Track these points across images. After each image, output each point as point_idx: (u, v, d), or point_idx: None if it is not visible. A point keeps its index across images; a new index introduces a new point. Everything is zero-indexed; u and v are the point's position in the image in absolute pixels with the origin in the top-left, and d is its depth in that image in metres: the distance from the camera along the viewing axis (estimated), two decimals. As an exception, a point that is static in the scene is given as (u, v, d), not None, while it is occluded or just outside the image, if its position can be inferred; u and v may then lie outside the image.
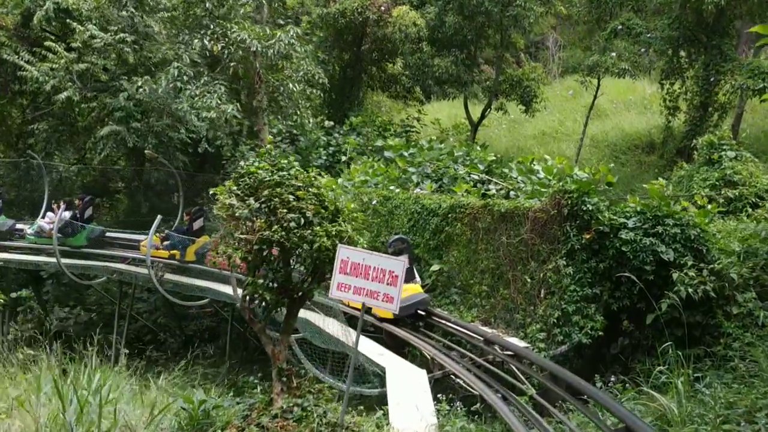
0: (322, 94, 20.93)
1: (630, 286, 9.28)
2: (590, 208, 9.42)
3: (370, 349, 9.83)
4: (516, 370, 8.35)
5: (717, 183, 12.97)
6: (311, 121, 18.00)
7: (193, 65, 16.67)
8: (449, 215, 11.85)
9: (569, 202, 9.54)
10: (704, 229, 9.31)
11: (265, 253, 6.38)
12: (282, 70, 16.28)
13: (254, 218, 6.40)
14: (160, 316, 20.45)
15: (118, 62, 18.51)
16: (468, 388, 7.93)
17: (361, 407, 7.69)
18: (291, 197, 6.35)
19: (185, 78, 13.33)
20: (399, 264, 6.07)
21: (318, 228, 6.22)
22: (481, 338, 9.42)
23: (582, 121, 24.92)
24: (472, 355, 9.17)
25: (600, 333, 9.26)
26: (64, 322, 19.99)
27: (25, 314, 20.89)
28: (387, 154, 16.01)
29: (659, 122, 23.79)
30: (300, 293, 6.77)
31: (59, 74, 17.74)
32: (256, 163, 7.07)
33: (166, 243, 15.90)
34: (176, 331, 19.89)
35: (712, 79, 19.11)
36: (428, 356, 9.21)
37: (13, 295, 20.37)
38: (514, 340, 9.55)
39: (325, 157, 21.13)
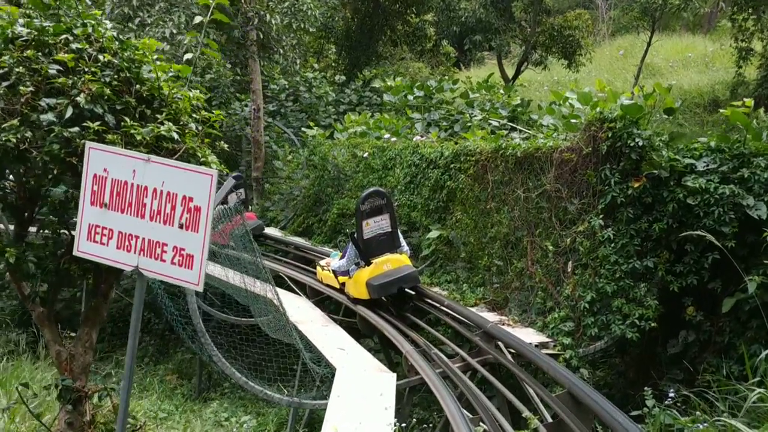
0: (334, 47, 18.33)
1: (699, 257, 6.36)
2: (640, 144, 6.48)
3: (330, 341, 7.19)
4: (522, 382, 5.56)
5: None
6: (298, 63, 15.26)
7: None
8: (452, 165, 9.04)
9: (609, 136, 6.63)
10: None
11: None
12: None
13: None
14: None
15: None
16: (444, 407, 5.18)
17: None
18: (56, 69, 3.73)
19: (134, 2, 10.85)
20: (205, 182, 3.15)
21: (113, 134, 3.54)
22: (479, 329, 6.65)
23: (633, 82, 21.55)
24: (465, 354, 6.41)
25: (652, 324, 6.38)
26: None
27: (2, 288, 19.08)
28: (388, 97, 13.22)
29: (725, 77, 20.25)
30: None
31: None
32: None
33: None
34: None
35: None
36: (404, 355, 6.49)
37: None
38: (526, 333, 6.76)
39: (334, 117, 18.53)
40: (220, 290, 9.96)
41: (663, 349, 6.79)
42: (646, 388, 5.61)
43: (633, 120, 6.60)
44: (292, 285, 10.23)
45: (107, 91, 3.79)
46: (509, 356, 6.22)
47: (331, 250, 10.33)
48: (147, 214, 3.13)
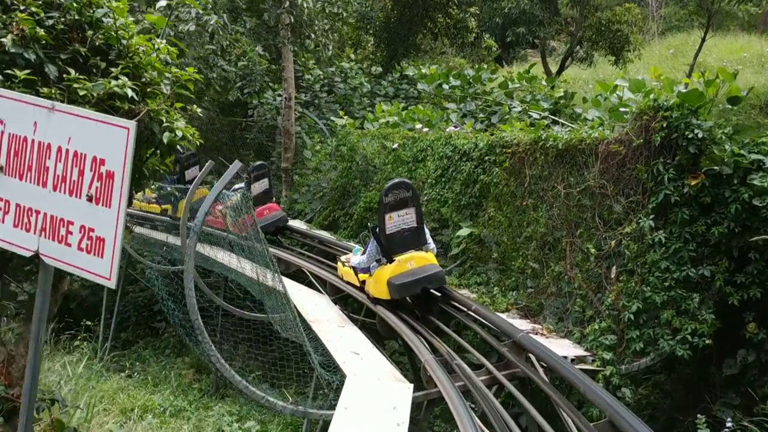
0: (372, 38, 17.71)
1: (764, 266, 5.56)
2: (700, 136, 5.70)
3: (344, 343, 6.59)
4: (558, 408, 4.85)
5: None
6: (330, 50, 14.63)
7: None
8: (486, 158, 8.34)
9: (664, 126, 5.86)
10: None
11: None
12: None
13: None
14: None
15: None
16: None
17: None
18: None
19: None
20: (119, 138, 2.38)
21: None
22: (508, 338, 5.96)
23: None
24: (491, 366, 5.72)
25: (707, 341, 5.61)
26: (72, 285, 17.86)
27: (31, 273, 19.07)
28: (422, 86, 12.51)
29: (782, 79, 19.01)
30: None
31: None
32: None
33: (155, 195, 13.24)
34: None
35: None
36: (422, 364, 5.84)
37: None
38: (561, 345, 6.05)
39: (369, 109, 17.92)
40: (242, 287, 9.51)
41: (717, 370, 5.99)
42: (699, 415, 4.87)
43: (692, 109, 5.82)
44: (313, 281, 9.69)
45: (41, 32, 3.19)
46: (541, 371, 5.52)
47: (355, 245, 9.73)
48: (50, 181, 2.43)
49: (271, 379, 10.46)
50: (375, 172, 10.98)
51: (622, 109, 6.92)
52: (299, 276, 10.34)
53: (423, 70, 12.98)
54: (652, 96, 6.14)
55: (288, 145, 14.99)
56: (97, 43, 3.40)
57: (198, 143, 3.71)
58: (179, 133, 3.29)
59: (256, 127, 17.30)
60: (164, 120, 3.34)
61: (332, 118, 14.38)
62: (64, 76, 3.21)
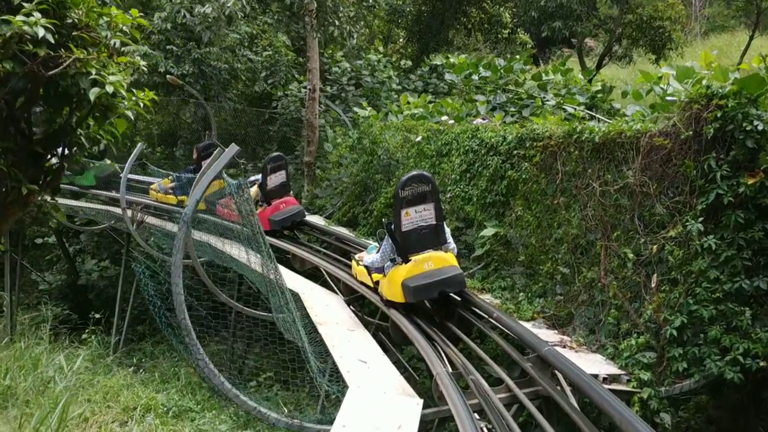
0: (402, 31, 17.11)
1: (832, 280, 4.83)
2: (759, 129, 4.98)
3: (351, 350, 6.01)
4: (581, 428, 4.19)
5: None
6: (355, 38, 14.05)
7: None
8: (515, 152, 7.68)
9: (718, 117, 5.14)
10: None
11: None
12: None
13: None
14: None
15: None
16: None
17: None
18: None
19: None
20: None
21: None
22: (532, 352, 5.30)
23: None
24: (511, 383, 5.07)
25: (761, 363, 4.89)
26: (90, 275, 17.67)
27: (52, 263, 18.97)
28: (450, 76, 11.84)
29: None
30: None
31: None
32: None
33: (172, 186, 12.86)
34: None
35: None
36: (434, 377, 5.22)
37: (38, 241, 18.41)
38: (592, 361, 5.38)
39: (397, 103, 17.33)
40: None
41: (772, 396, 5.27)
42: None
43: (751, 97, 5.10)
44: (329, 280, 9.15)
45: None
46: (568, 391, 4.87)
47: (372, 242, 9.15)
48: None
49: (284, 381, 9.96)
50: (397, 166, 10.39)
51: (669, 98, 6.19)
52: (315, 274, 9.82)
53: (451, 60, 12.31)
54: (704, 82, 5.42)
55: (311, 138, 14.48)
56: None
57: (149, 109, 3.15)
58: (109, 88, 2.69)
59: (280, 120, 16.86)
60: (92, 71, 2.74)
61: (355, 109, 13.83)
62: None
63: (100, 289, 17.42)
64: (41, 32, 2.70)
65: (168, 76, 14.27)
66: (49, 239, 18.43)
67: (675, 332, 5.16)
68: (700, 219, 5.23)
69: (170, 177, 13.26)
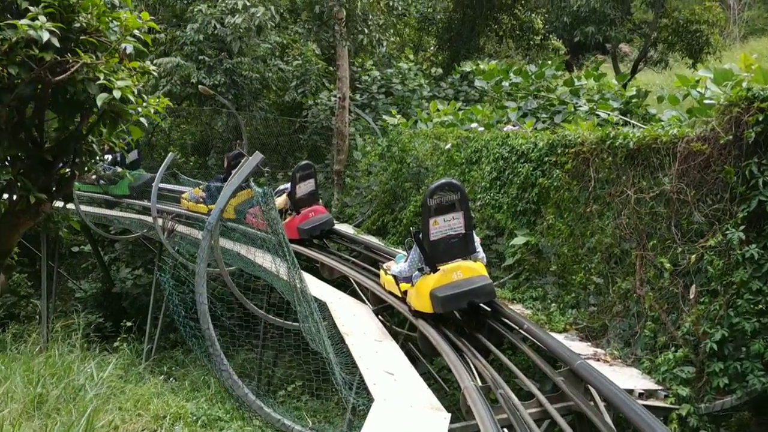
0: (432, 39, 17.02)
1: None
2: (804, 133, 4.75)
3: (378, 361, 5.90)
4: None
5: None
6: (384, 46, 13.98)
7: None
8: (546, 159, 7.50)
9: (760, 120, 4.92)
10: None
11: None
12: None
13: None
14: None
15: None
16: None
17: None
18: None
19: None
20: None
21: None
22: (564, 365, 5.12)
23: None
24: (542, 397, 4.90)
25: (809, 380, 4.64)
26: (124, 283, 17.89)
27: (88, 271, 19.26)
28: (479, 83, 11.71)
29: None
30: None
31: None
32: None
33: (202, 195, 12.96)
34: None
35: None
36: (462, 391, 5.07)
37: (75, 249, 18.72)
38: (628, 375, 5.17)
39: (427, 112, 17.23)
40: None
41: (821, 414, 5.00)
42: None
43: (795, 99, 4.86)
44: (357, 289, 9.07)
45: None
46: (602, 407, 4.67)
47: (401, 251, 9.04)
48: None
49: (314, 390, 9.88)
50: (426, 174, 10.27)
51: (707, 102, 5.96)
52: (344, 284, 9.75)
53: (481, 66, 12.17)
54: (744, 85, 5.19)
55: (341, 146, 14.46)
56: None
57: (164, 116, 3.11)
58: (117, 93, 2.62)
59: (310, 129, 16.90)
60: (100, 77, 2.67)
61: (384, 117, 13.78)
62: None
63: (133, 297, 17.61)
64: (46, 36, 2.65)
65: (200, 86, 14.41)
66: (85, 248, 18.72)
67: (715, 346, 4.93)
68: (742, 227, 5.00)
69: (201, 186, 13.35)
